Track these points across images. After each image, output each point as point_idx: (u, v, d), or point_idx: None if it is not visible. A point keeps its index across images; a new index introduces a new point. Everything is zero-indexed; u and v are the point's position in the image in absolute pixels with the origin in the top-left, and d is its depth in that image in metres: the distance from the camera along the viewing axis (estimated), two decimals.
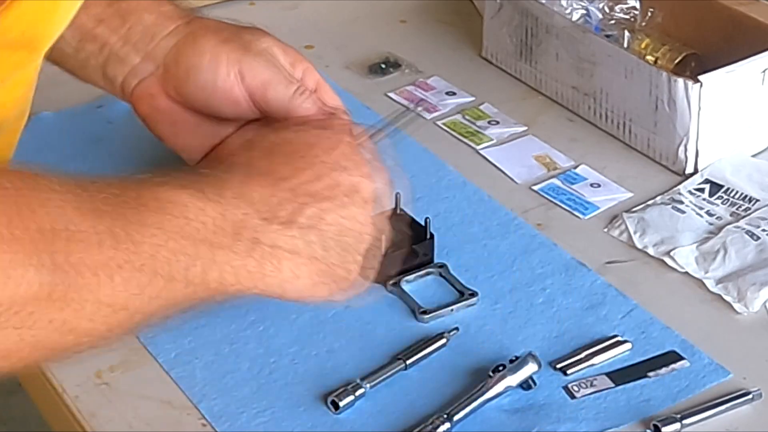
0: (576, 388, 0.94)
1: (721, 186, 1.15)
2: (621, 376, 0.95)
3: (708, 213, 1.12)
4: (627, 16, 1.30)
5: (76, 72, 1.00)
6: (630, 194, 1.16)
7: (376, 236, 0.88)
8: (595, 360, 0.96)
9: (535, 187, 1.17)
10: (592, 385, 0.94)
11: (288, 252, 0.82)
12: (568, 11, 1.29)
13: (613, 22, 1.30)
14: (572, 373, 0.95)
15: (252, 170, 0.84)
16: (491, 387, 0.92)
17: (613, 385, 0.94)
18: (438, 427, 0.89)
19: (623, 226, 1.11)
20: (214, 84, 0.93)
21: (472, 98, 1.30)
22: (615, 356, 0.97)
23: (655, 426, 0.90)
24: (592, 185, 1.17)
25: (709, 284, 1.04)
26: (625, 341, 0.98)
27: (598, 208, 1.14)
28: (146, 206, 0.76)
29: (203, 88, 0.94)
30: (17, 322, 0.69)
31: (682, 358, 0.96)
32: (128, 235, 0.73)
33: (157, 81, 0.96)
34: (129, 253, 0.73)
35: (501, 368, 0.93)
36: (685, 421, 0.90)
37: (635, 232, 1.10)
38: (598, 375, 0.95)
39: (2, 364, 0.71)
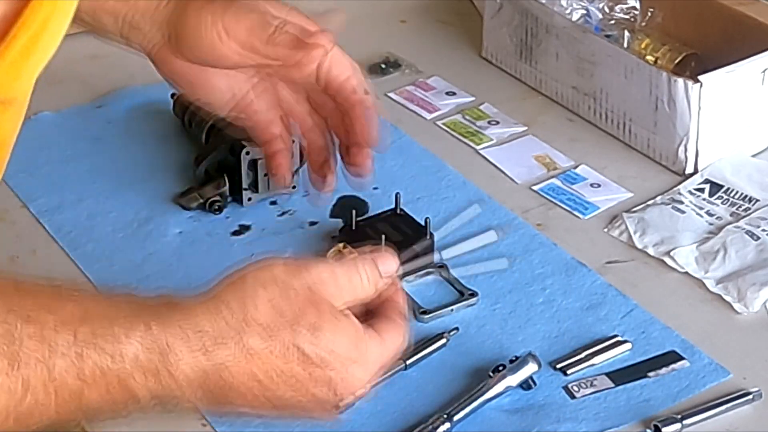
0: (576, 388, 0.94)
1: (721, 186, 1.15)
2: (621, 376, 0.95)
3: (708, 213, 1.12)
4: (627, 16, 1.30)
5: (99, 35, 1.02)
6: (630, 194, 1.15)
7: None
8: (595, 360, 0.96)
9: (535, 187, 1.17)
10: (592, 385, 0.94)
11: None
12: (568, 11, 1.29)
13: (613, 22, 1.30)
14: (572, 373, 0.95)
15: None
16: (491, 387, 0.92)
17: (613, 385, 0.94)
18: (438, 427, 0.89)
19: (623, 226, 1.11)
20: (203, 45, 0.95)
21: (472, 98, 1.30)
22: (615, 356, 0.97)
23: (656, 426, 0.90)
24: (592, 185, 1.17)
25: (709, 284, 1.04)
26: (625, 341, 0.98)
27: (598, 208, 1.14)
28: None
29: (198, 49, 0.96)
30: None
31: (682, 358, 0.96)
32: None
33: (167, 46, 0.98)
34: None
35: (501, 368, 0.93)
36: (685, 421, 0.90)
37: (635, 232, 1.10)
38: (598, 375, 0.95)
39: None
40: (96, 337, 0.72)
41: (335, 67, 0.99)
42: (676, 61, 1.26)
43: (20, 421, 0.71)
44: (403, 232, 1.06)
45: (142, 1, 0.99)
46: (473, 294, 1.02)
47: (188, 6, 0.97)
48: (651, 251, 1.08)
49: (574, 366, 0.95)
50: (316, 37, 0.97)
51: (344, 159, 1.00)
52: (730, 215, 1.12)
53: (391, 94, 1.31)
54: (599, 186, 1.17)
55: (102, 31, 1.01)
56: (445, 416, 0.90)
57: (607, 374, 0.95)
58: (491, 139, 1.24)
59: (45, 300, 0.73)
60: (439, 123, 1.27)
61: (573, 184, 1.17)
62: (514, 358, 0.94)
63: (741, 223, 1.10)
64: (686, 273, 1.06)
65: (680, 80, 1.15)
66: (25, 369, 0.70)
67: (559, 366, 0.95)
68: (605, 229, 1.11)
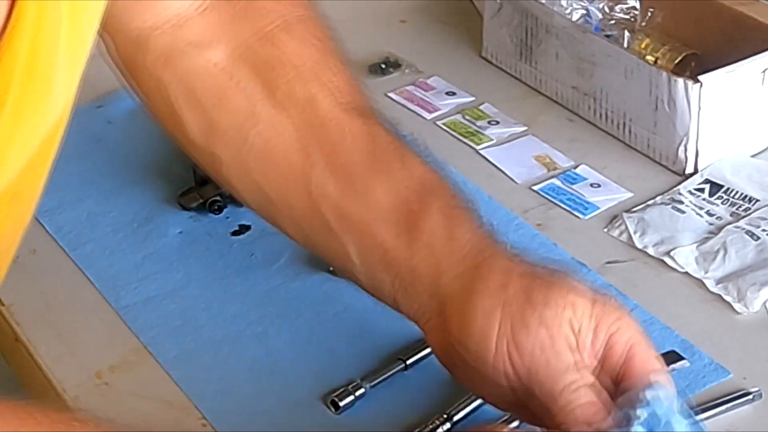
0: None
1: (721, 186, 1.15)
2: None
3: (708, 213, 1.12)
4: (627, 16, 1.30)
5: (368, 290, 0.88)
6: (630, 194, 1.15)
7: None
8: None
9: (535, 187, 1.17)
10: None
11: None
12: (568, 11, 1.29)
13: (613, 22, 1.30)
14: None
15: None
16: None
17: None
18: (438, 427, 0.89)
19: (623, 226, 1.11)
20: (482, 352, 0.79)
21: (472, 98, 1.30)
22: None
23: None
24: (592, 185, 1.17)
25: (709, 284, 1.04)
26: None
27: (598, 208, 1.14)
28: None
29: (468, 350, 0.80)
30: None
31: (682, 358, 0.96)
32: None
33: (444, 324, 0.82)
34: None
35: None
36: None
37: (635, 232, 1.10)
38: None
39: None
40: None
41: (640, 371, 0.79)
42: (676, 61, 1.26)
43: None
44: None
45: (424, 265, 0.82)
46: None
47: (475, 300, 0.79)
48: (651, 251, 1.08)
49: None
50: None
51: None
52: (730, 215, 1.12)
53: (391, 94, 1.31)
54: (599, 186, 1.17)
55: (373, 287, 0.86)
56: (445, 416, 0.90)
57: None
58: (491, 139, 1.24)
59: None
60: (439, 123, 1.27)
61: (573, 184, 1.17)
62: None
63: (741, 223, 1.10)
64: (686, 273, 1.06)
65: (680, 80, 1.15)
66: None
67: None
68: (605, 229, 1.11)
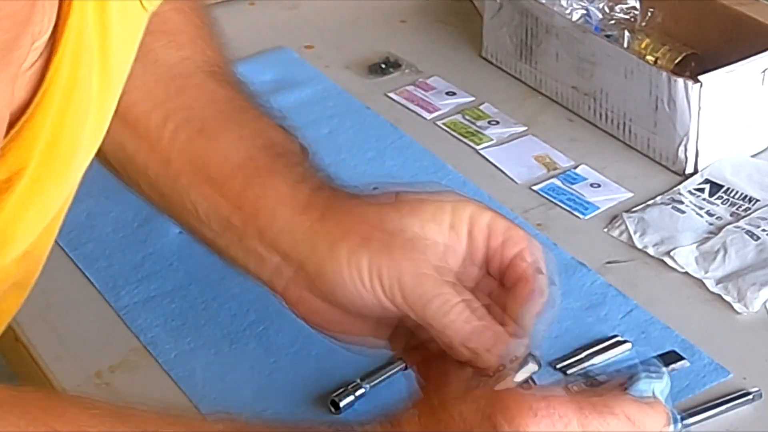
0: (575, 389, 0.94)
1: (721, 186, 1.15)
2: None
3: (708, 213, 1.12)
4: (627, 16, 1.30)
5: (222, 255, 0.88)
6: (630, 194, 1.15)
7: None
8: (595, 360, 0.96)
9: (535, 187, 1.17)
10: (590, 386, 0.94)
11: None
12: (568, 11, 1.29)
13: (613, 22, 1.30)
14: (572, 374, 0.95)
15: None
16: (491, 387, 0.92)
17: None
18: None
19: (623, 226, 1.11)
20: (356, 295, 0.80)
21: (472, 98, 1.30)
22: (615, 356, 0.97)
23: None
24: (592, 185, 1.17)
25: (709, 284, 1.04)
26: (625, 341, 0.98)
27: (598, 208, 1.14)
28: None
29: (348, 298, 0.81)
30: None
31: (682, 358, 0.96)
32: None
33: (303, 284, 0.83)
34: None
35: (501, 368, 0.93)
36: (685, 422, 0.90)
37: (635, 232, 1.10)
38: (597, 375, 0.95)
39: None
40: None
41: (506, 245, 0.82)
42: (676, 61, 1.26)
43: None
44: None
45: (271, 231, 0.82)
46: None
47: (336, 249, 0.80)
48: (651, 251, 1.08)
49: (573, 366, 0.95)
50: (488, 350, 0.79)
51: None
52: (730, 215, 1.12)
53: (391, 94, 1.31)
54: (599, 186, 1.17)
55: (222, 248, 0.86)
56: None
57: (607, 374, 0.95)
58: (491, 139, 1.24)
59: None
60: (439, 123, 1.27)
61: (573, 184, 1.17)
62: (514, 358, 0.94)
63: (741, 223, 1.10)
64: (686, 273, 1.06)
65: (680, 80, 1.15)
66: None
67: (559, 366, 0.95)
68: (605, 229, 1.11)
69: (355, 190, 0.85)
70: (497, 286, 0.82)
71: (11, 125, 0.63)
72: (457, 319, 0.78)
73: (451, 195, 0.83)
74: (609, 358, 0.97)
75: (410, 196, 0.82)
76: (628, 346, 0.97)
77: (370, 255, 0.78)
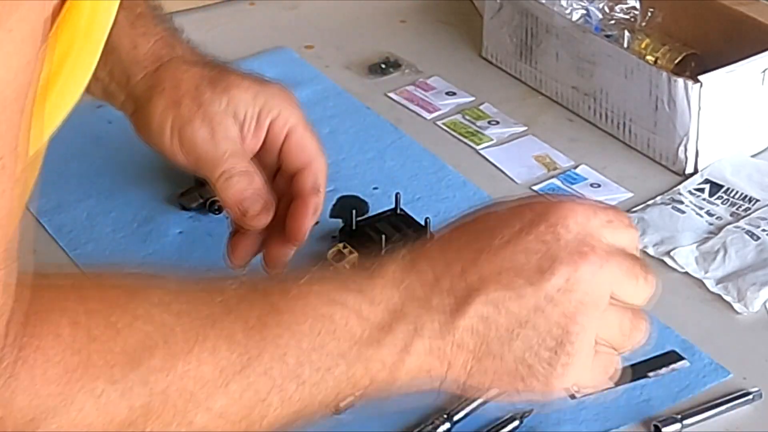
0: (575, 388, 0.94)
1: (721, 186, 1.15)
2: (620, 375, 0.95)
3: (708, 213, 1.12)
4: (627, 16, 1.30)
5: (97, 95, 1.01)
6: (630, 194, 1.15)
7: (585, 335, 0.75)
8: None
9: (535, 187, 1.17)
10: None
11: (456, 347, 0.73)
12: (568, 11, 1.29)
13: (613, 22, 1.30)
14: None
15: (415, 259, 0.74)
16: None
17: (612, 384, 0.94)
18: (438, 427, 0.89)
19: None
20: (164, 147, 0.96)
21: (472, 98, 1.30)
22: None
23: (656, 426, 0.90)
24: (592, 185, 1.17)
25: (709, 284, 1.04)
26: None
27: None
28: (274, 306, 0.70)
29: (159, 148, 0.97)
30: None
31: (682, 358, 0.96)
32: (248, 339, 0.68)
33: (133, 121, 1.00)
34: (248, 358, 0.68)
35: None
36: (685, 422, 0.90)
37: None
38: None
39: None
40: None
41: (297, 152, 0.96)
42: (676, 61, 1.26)
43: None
44: (403, 232, 1.06)
45: (116, 72, 0.97)
46: None
47: (152, 103, 0.95)
48: (651, 251, 1.08)
49: None
50: (256, 215, 0.95)
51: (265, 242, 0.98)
52: (730, 215, 1.12)
53: (391, 94, 1.31)
54: (599, 186, 1.17)
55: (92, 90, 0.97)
56: (445, 416, 0.90)
57: None
58: (491, 139, 1.24)
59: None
60: (439, 123, 1.27)
61: (573, 184, 1.17)
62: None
63: (741, 223, 1.10)
64: (686, 273, 1.06)
65: (680, 80, 1.15)
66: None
67: None
68: None
69: (192, 52, 0.98)
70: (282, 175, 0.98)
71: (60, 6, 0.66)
72: (237, 183, 0.93)
73: (273, 87, 0.96)
74: None
75: (233, 75, 0.95)
76: None
77: (174, 116, 0.94)
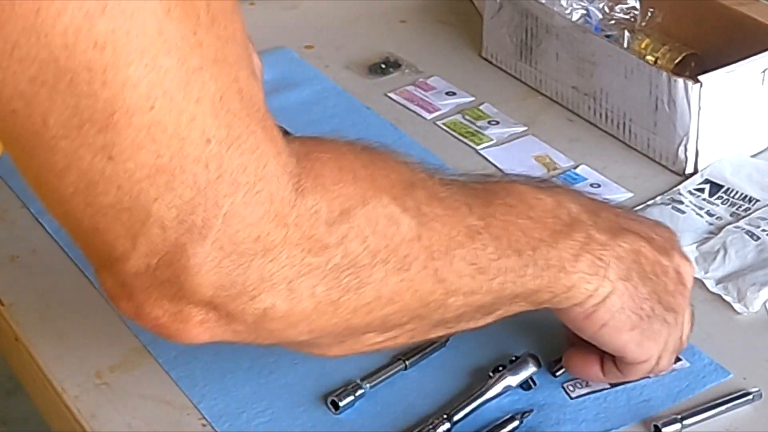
0: (571, 388, 0.94)
1: (721, 186, 1.15)
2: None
3: (708, 213, 1.12)
4: (627, 16, 1.30)
5: None
6: (630, 194, 1.15)
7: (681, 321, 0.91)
8: None
9: None
10: (587, 385, 0.94)
11: (615, 259, 0.85)
12: (568, 11, 1.29)
13: (613, 22, 1.30)
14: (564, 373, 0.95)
15: None
16: (491, 387, 0.92)
17: (608, 385, 0.94)
18: (438, 427, 0.89)
19: None
20: None
21: (472, 98, 1.30)
22: None
23: (656, 426, 0.90)
24: (592, 185, 1.17)
25: (709, 284, 1.04)
26: None
27: None
28: (493, 191, 0.81)
29: None
30: (398, 264, 0.74)
31: (679, 359, 0.96)
32: (484, 209, 0.79)
33: None
34: (485, 222, 0.78)
35: (501, 368, 0.93)
36: (685, 422, 0.90)
37: None
38: None
39: (389, 309, 0.75)
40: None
41: None
42: (676, 61, 1.26)
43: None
44: None
45: None
46: None
47: None
48: None
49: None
50: None
51: None
52: (730, 215, 1.12)
53: (391, 94, 1.31)
54: (599, 186, 1.17)
55: None
56: (445, 416, 0.90)
57: None
58: (491, 139, 1.24)
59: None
60: (439, 123, 1.27)
61: (573, 184, 1.17)
62: (514, 358, 0.94)
63: (741, 223, 1.10)
64: None
65: (680, 80, 1.15)
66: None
67: (554, 369, 0.95)
68: None
69: None
70: None
71: None
72: None
73: None
74: None
75: None
76: None
77: None
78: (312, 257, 0.70)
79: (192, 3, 0.65)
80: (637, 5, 1.30)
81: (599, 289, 0.84)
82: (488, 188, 0.82)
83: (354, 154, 0.75)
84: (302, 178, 0.70)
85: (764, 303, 1.02)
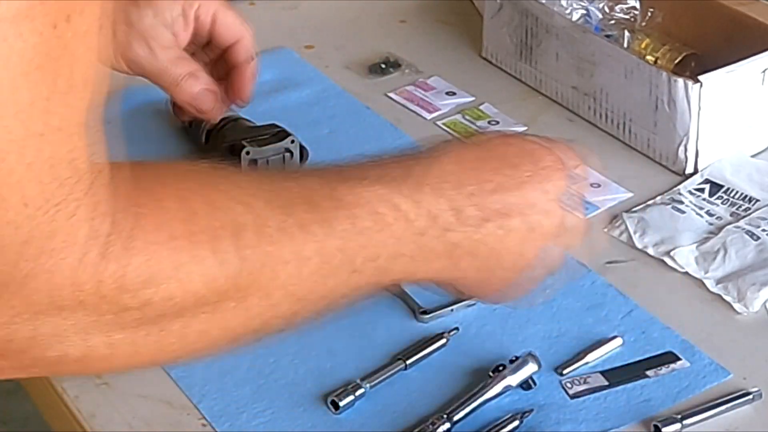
0: (569, 385, 0.94)
1: (721, 186, 1.15)
2: (615, 374, 0.95)
3: (708, 213, 1.12)
4: (627, 16, 1.30)
5: None
6: (630, 194, 1.15)
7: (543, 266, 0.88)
8: (588, 358, 0.96)
9: None
10: (585, 383, 0.94)
11: (468, 253, 0.83)
12: (568, 11, 1.29)
13: (613, 22, 1.30)
14: (567, 373, 0.95)
15: (458, 167, 0.85)
16: (491, 387, 0.92)
17: (606, 383, 0.94)
18: (438, 427, 0.89)
19: (623, 226, 1.11)
20: (115, 66, 1.07)
21: (472, 98, 1.30)
22: (607, 353, 0.97)
23: (656, 426, 0.90)
24: (592, 185, 1.16)
25: (709, 284, 1.04)
26: (614, 337, 0.98)
27: (598, 208, 1.14)
28: (340, 201, 0.79)
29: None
30: (208, 309, 0.73)
31: (679, 359, 0.96)
32: (320, 228, 0.77)
33: None
34: (318, 245, 0.77)
35: (501, 368, 0.93)
36: (685, 422, 0.90)
37: (635, 232, 1.10)
38: (592, 373, 0.95)
39: (196, 345, 0.75)
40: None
41: (225, 32, 1.09)
42: (676, 61, 1.26)
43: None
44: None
45: None
46: None
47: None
48: (651, 251, 1.08)
49: (568, 365, 0.95)
50: (210, 109, 1.08)
51: None
52: (730, 215, 1.12)
53: (391, 94, 1.31)
54: (599, 186, 1.17)
55: None
56: (445, 416, 0.90)
57: (602, 372, 0.95)
58: None
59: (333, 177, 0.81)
60: (439, 123, 1.27)
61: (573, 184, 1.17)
62: (514, 358, 0.94)
63: (741, 223, 1.10)
64: (686, 273, 1.06)
65: (680, 80, 1.15)
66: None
67: (555, 367, 0.95)
68: (605, 229, 1.11)
69: None
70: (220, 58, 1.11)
71: None
72: (186, 87, 1.06)
73: None
74: (601, 355, 0.97)
75: None
76: (618, 341, 0.98)
77: (115, 45, 1.04)
78: (110, 315, 0.69)
79: (55, 67, 0.64)
80: (637, 5, 1.30)
81: (455, 278, 0.85)
82: (337, 198, 0.80)
83: (179, 202, 0.73)
84: (112, 242, 0.68)
85: (764, 303, 1.02)
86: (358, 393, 0.93)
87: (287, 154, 1.12)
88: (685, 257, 1.07)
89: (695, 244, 1.08)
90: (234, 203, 0.75)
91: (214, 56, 1.11)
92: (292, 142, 1.12)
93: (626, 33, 1.29)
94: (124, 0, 1.04)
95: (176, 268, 0.70)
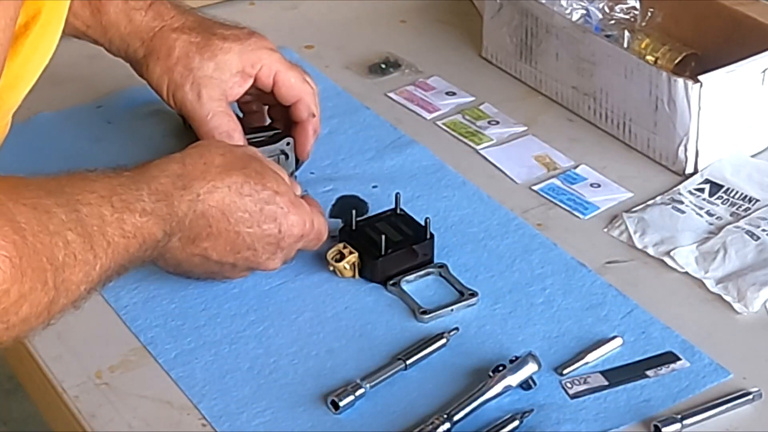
0: (569, 385, 0.94)
1: (721, 186, 1.15)
2: (615, 374, 0.95)
3: (708, 213, 1.12)
4: (627, 16, 1.30)
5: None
6: (630, 194, 1.16)
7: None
8: (588, 358, 0.96)
9: (535, 187, 1.17)
10: (585, 383, 0.94)
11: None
12: (568, 11, 1.29)
13: (613, 22, 1.30)
14: (567, 373, 0.95)
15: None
16: (491, 387, 0.92)
17: (606, 382, 0.94)
18: (438, 427, 0.89)
19: (623, 226, 1.11)
20: (164, 99, 1.13)
21: (472, 98, 1.30)
22: (607, 353, 0.97)
23: (656, 426, 0.90)
24: (592, 185, 1.17)
25: (709, 284, 1.04)
26: (614, 337, 0.98)
27: (598, 208, 1.14)
28: (72, 197, 0.89)
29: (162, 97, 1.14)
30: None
31: (678, 359, 0.96)
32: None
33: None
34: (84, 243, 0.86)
35: (501, 368, 0.93)
36: (685, 422, 0.90)
37: (635, 232, 1.10)
38: (592, 373, 0.95)
39: None
40: (126, 203, 0.91)
41: (287, 93, 1.13)
42: (676, 61, 1.26)
43: (91, 287, 0.88)
44: (403, 233, 1.06)
45: (115, 42, 1.14)
46: (473, 294, 1.02)
47: (152, 65, 1.12)
48: (651, 251, 1.08)
49: (568, 366, 0.95)
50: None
51: None
52: (730, 215, 1.12)
53: (391, 94, 1.31)
54: (599, 186, 1.17)
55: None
56: (445, 416, 0.90)
57: (602, 372, 0.95)
58: (491, 139, 1.24)
59: (77, 183, 0.91)
60: (439, 123, 1.27)
61: (573, 184, 1.17)
62: (514, 358, 0.94)
63: (741, 223, 1.10)
64: (686, 273, 1.06)
65: (680, 80, 1.15)
66: (94, 242, 0.87)
67: (555, 367, 0.95)
68: (605, 229, 1.11)
69: (179, 16, 1.14)
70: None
71: None
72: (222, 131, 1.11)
73: (252, 41, 1.13)
74: (601, 355, 0.97)
75: (217, 39, 1.12)
76: (618, 341, 0.98)
77: (169, 80, 1.11)
78: None
79: None
80: (637, 5, 1.30)
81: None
82: (72, 199, 0.88)
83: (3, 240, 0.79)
84: None
85: (764, 303, 1.02)
86: (358, 393, 0.93)
87: (282, 156, 1.13)
88: (685, 257, 1.07)
89: (695, 244, 1.08)
90: (56, 240, 0.84)
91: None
92: (288, 144, 1.13)
93: (626, 33, 1.29)
94: (193, 45, 1.11)
95: None
